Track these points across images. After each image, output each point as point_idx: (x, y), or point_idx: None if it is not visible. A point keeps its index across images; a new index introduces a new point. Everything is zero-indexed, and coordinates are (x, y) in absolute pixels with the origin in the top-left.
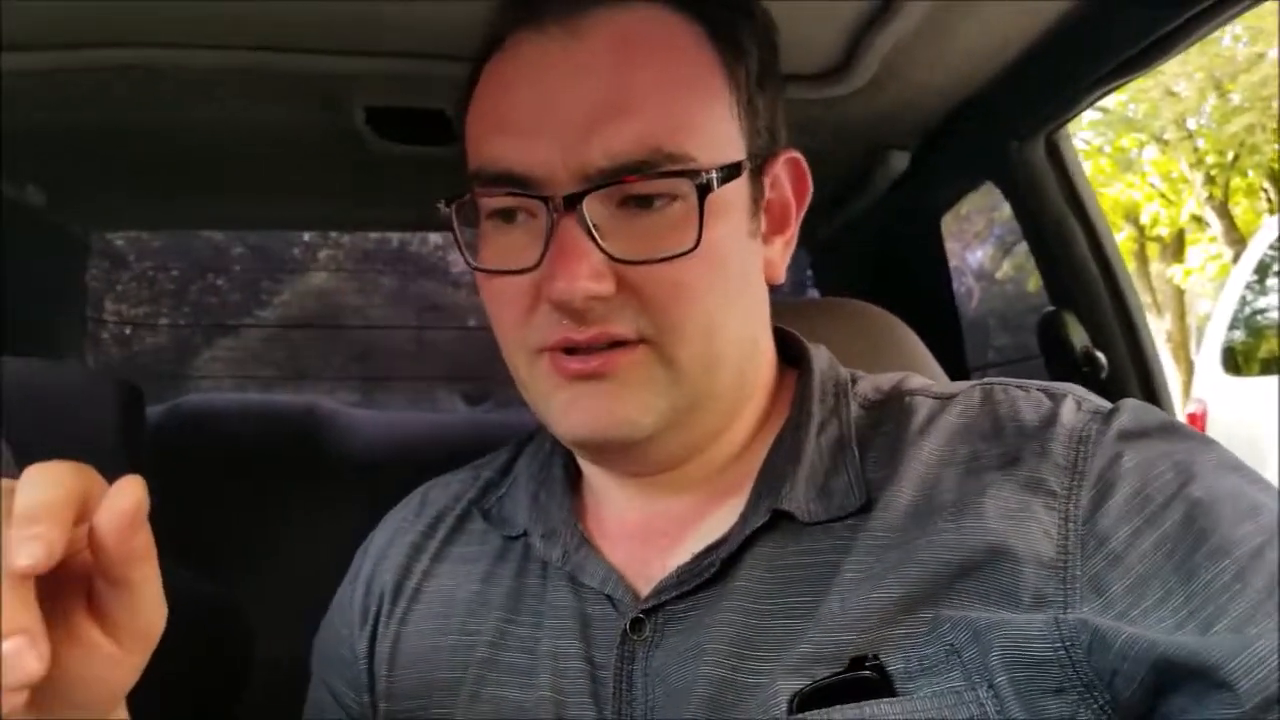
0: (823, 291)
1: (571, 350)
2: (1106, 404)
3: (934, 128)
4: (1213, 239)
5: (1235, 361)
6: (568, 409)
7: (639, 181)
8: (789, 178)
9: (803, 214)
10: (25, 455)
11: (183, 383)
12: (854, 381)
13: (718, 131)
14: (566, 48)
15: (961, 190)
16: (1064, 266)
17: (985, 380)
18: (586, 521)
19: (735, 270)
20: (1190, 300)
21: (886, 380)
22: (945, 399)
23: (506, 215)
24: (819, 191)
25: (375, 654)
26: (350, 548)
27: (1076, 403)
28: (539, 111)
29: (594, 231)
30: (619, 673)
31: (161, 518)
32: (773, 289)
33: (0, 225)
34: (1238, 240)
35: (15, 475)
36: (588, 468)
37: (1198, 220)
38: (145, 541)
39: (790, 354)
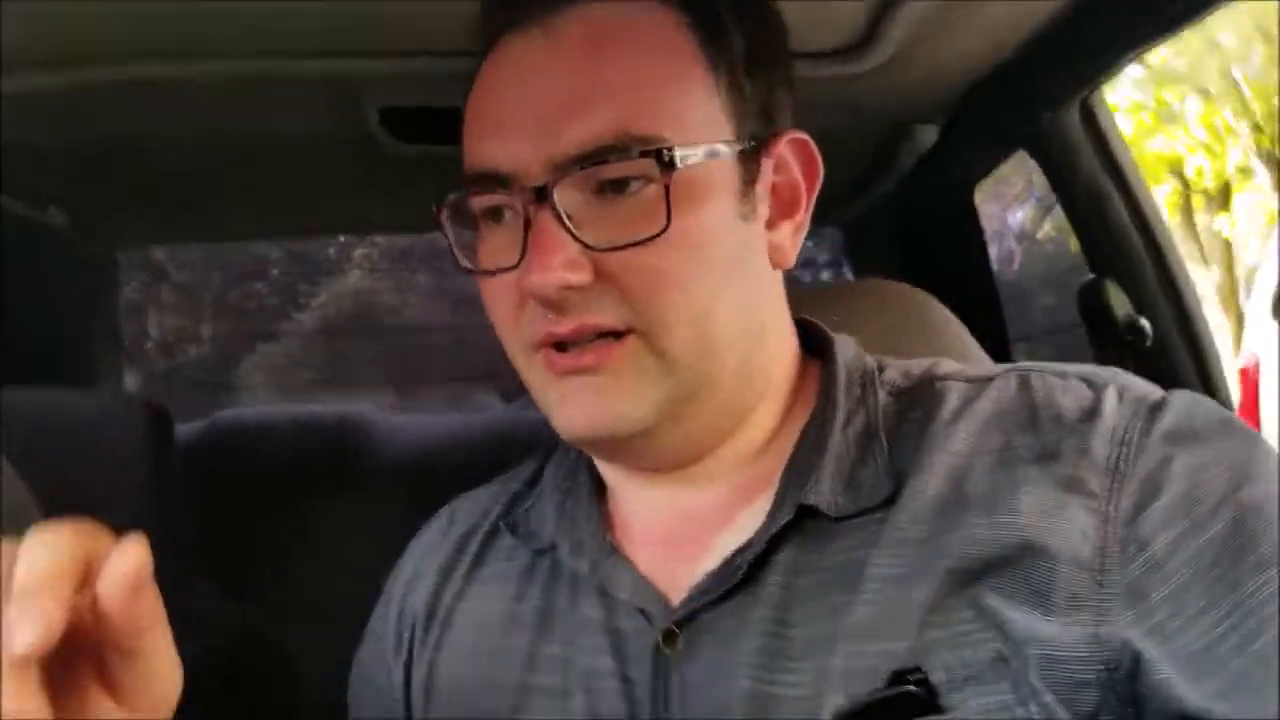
0: (856, 272)
1: (562, 346)
2: (1152, 391)
3: (961, 100)
4: (1259, 188)
5: None
6: (561, 405)
7: (607, 166)
8: (796, 160)
9: (814, 196)
10: (49, 491)
11: (226, 392)
12: (882, 369)
13: (693, 113)
14: (542, 46)
15: (993, 162)
16: (1103, 234)
17: (1022, 365)
18: (615, 530)
19: (722, 254)
20: (1238, 251)
21: (917, 366)
22: (978, 385)
23: (495, 214)
24: (847, 171)
25: (412, 684)
26: (393, 562)
27: (1119, 393)
28: (514, 109)
29: (567, 221)
30: (655, 690)
31: (200, 541)
32: (803, 266)
33: (21, 248)
34: None
35: (26, 504)
36: (605, 469)
37: (1244, 171)
38: (151, 607)
39: (814, 345)
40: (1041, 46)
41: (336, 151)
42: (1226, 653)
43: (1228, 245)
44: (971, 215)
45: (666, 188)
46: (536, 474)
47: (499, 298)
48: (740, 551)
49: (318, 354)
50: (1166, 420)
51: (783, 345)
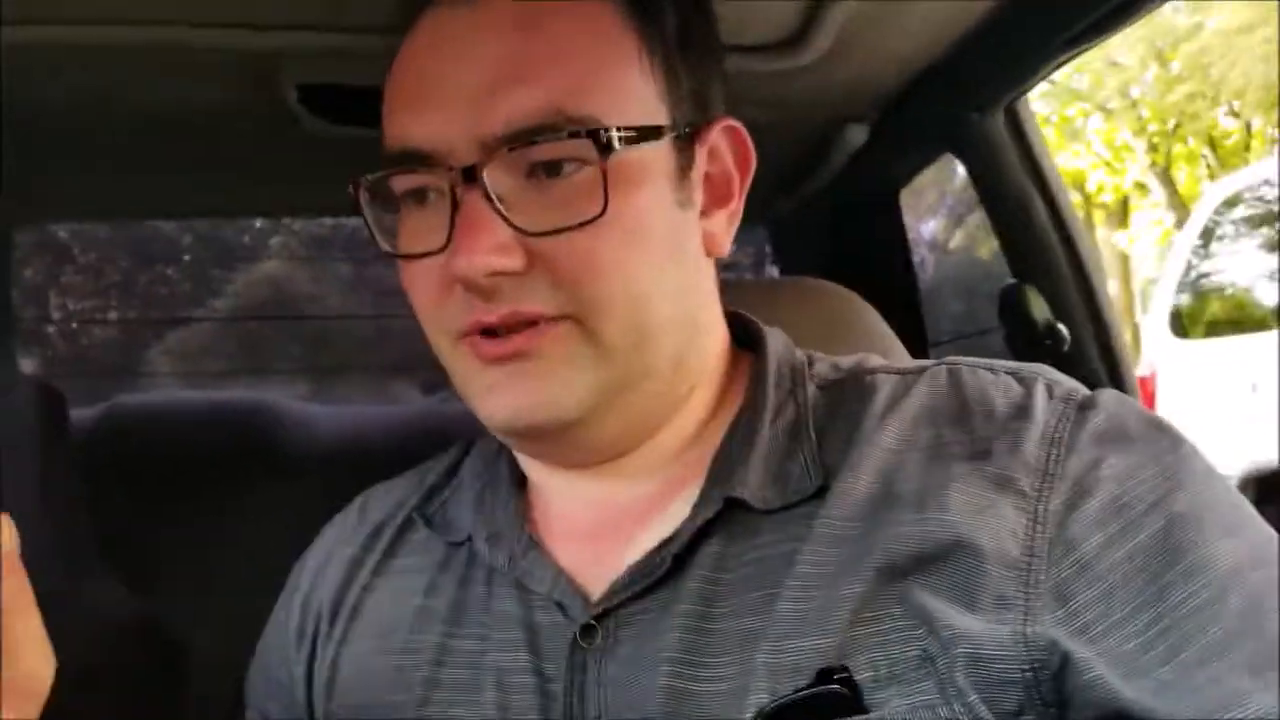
0: (782, 268)
1: (490, 333)
2: (1079, 389)
3: (892, 99)
4: (1156, 205)
5: (1182, 325)
6: (488, 394)
7: (539, 147)
8: (729, 147)
9: (747, 185)
10: None
11: (132, 379)
12: (811, 363)
13: (628, 94)
14: (470, 19)
15: (920, 163)
16: (1025, 238)
17: (951, 360)
18: (535, 523)
19: (659, 240)
20: (1134, 265)
21: (845, 360)
22: (908, 378)
23: (418, 196)
24: (776, 167)
25: (313, 677)
26: (303, 553)
27: (1047, 389)
28: (437, 83)
29: (498, 204)
30: (569, 685)
31: (98, 531)
32: (728, 267)
33: None
34: (1179, 205)
35: None
36: (528, 463)
37: (1141, 187)
38: (17, 588)
39: (745, 338)
40: (970, 48)
41: (252, 128)
42: (1153, 659)
43: (1125, 259)
44: (898, 216)
45: (604, 171)
46: (455, 466)
47: (422, 283)
48: (664, 545)
49: (231, 342)
50: (1097, 420)
51: (715, 336)
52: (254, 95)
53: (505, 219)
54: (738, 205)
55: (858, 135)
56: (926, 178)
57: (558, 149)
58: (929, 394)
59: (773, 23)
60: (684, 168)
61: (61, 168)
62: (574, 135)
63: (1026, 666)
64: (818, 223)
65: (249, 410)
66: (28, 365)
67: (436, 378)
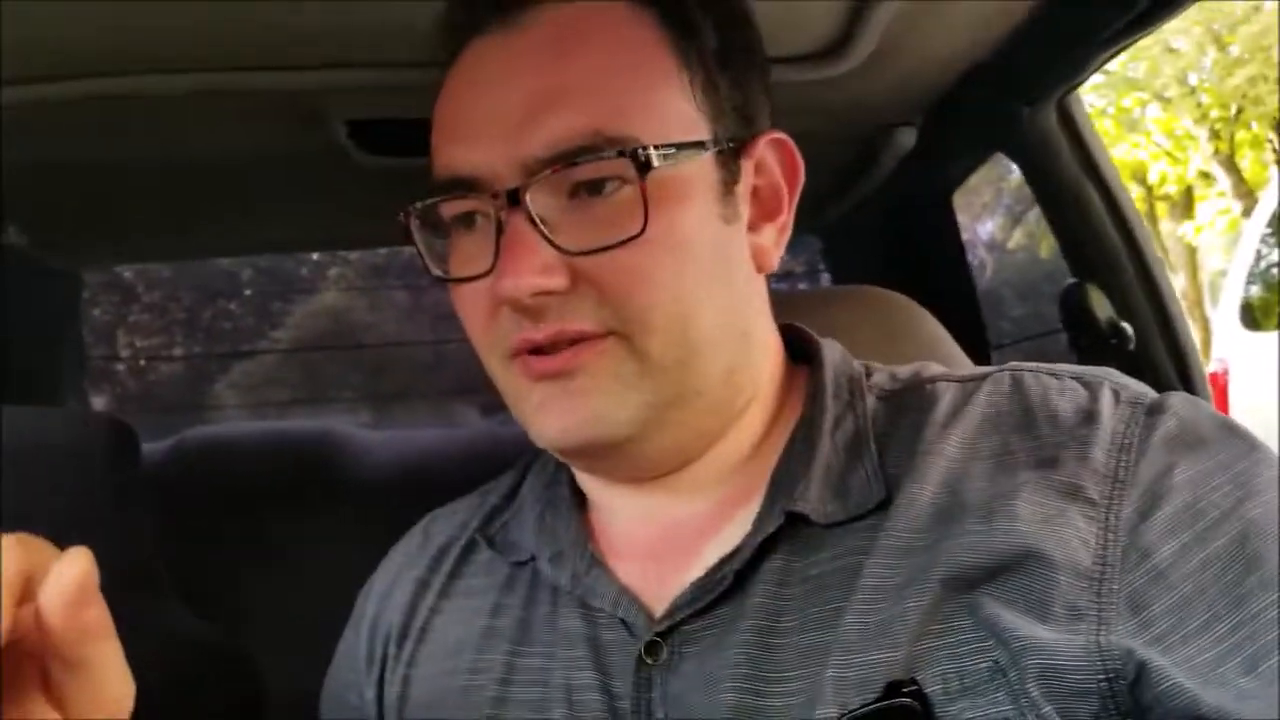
0: (835, 277)
1: (538, 352)
2: (1147, 392)
3: (940, 101)
4: (1221, 194)
5: (1254, 317)
6: (538, 411)
7: (580, 168)
8: (777, 161)
9: (796, 198)
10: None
11: (199, 412)
12: (869, 374)
13: (666, 113)
14: (506, 47)
15: (972, 164)
16: (1083, 236)
17: (1013, 365)
18: (597, 541)
19: (705, 255)
20: (1202, 256)
21: (904, 370)
22: (971, 386)
23: (466, 221)
24: (826, 175)
25: (384, 700)
26: (369, 578)
27: (1114, 393)
28: (478, 111)
29: (541, 225)
30: (637, 703)
31: (170, 561)
32: (782, 278)
33: None
34: (1246, 193)
35: None
36: (586, 480)
37: (1205, 176)
38: (98, 616)
39: (801, 351)
40: (1018, 46)
41: (305, 166)
42: (1233, 670)
43: (1192, 251)
44: (951, 219)
45: (643, 188)
46: (515, 487)
47: (472, 306)
48: (726, 560)
49: (293, 372)
50: (1167, 425)
51: (768, 350)
52: (304, 134)
53: (549, 239)
54: (787, 218)
55: (906, 139)
56: (980, 177)
57: (598, 169)
58: (992, 401)
59: (814, 31)
60: (728, 182)
61: (127, 212)
62: (612, 155)
63: (1101, 676)
64: (870, 229)
65: (314, 439)
66: (98, 402)
67: (494, 400)
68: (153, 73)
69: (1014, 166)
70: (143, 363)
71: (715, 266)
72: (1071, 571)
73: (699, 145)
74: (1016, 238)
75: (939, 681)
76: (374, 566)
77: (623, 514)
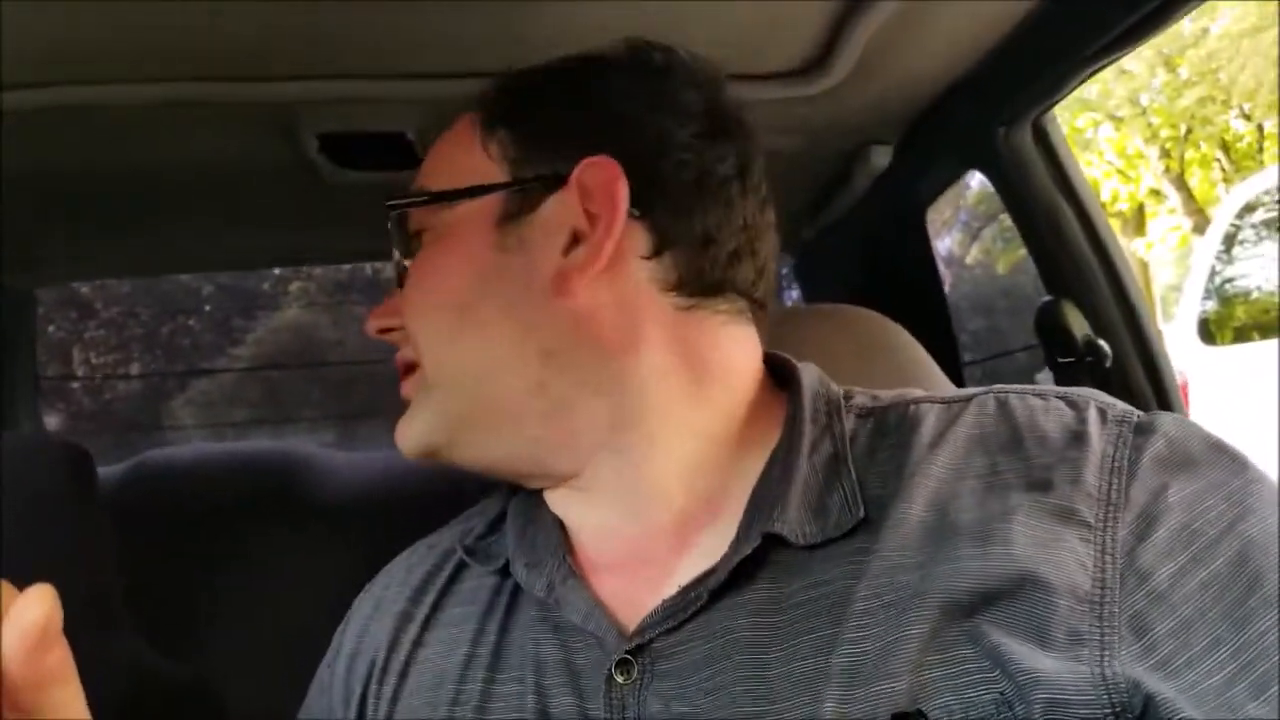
0: (807, 295)
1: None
2: (1133, 411)
3: (916, 119)
4: (1172, 210)
5: (1209, 331)
6: None
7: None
8: (598, 183)
9: (612, 219)
10: None
11: (157, 432)
12: (849, 397)
13: (454, 166)
14: None
15: (946, 182)
16: (1058, 253)
17: (997, 387)
18: (575, 556)
19: (463, 285)
20: (1153, 271)
21: (886, 394)
22: (955, 407)
23: None
24: (801, 193)
25: None
26: (336, 603)
27: (1100, 413)
28: None
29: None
30: None
31: (128, 588)
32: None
33: None
34: (1196, 210)
35: None
36: (549, 494)
37: (1156, 194)
38: (60, 660)
39: (779, 375)
40: (995, 65)
41: (274, 179)
42: (1241, 694)
43: (1144, 266)
44: (924, 236)
45: (416, 231)
46: (501, 512)
47: None
48: (701, 579)
49: (254, 390)
50: (1156, 445)
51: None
52: (272, 146)
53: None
54: (600, 237)
55: (881, 157)
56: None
57: (400, 219)
58: (979, 422)
59: (794, 49)
60: (513, 214)
61: (83, 227)
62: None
63: (1108, 710)
64: (841, 246)
65: (276, 460)
66: (51, 421)
67: None
68: (124, 81)
69: (971, 183)
70: (98, 381)
71: (478, 293)
72: (1071, 596)
73: (481, 188)
74: (974, 253)
75: (943, 713)
76: (338, 590)
77: (585, 526)
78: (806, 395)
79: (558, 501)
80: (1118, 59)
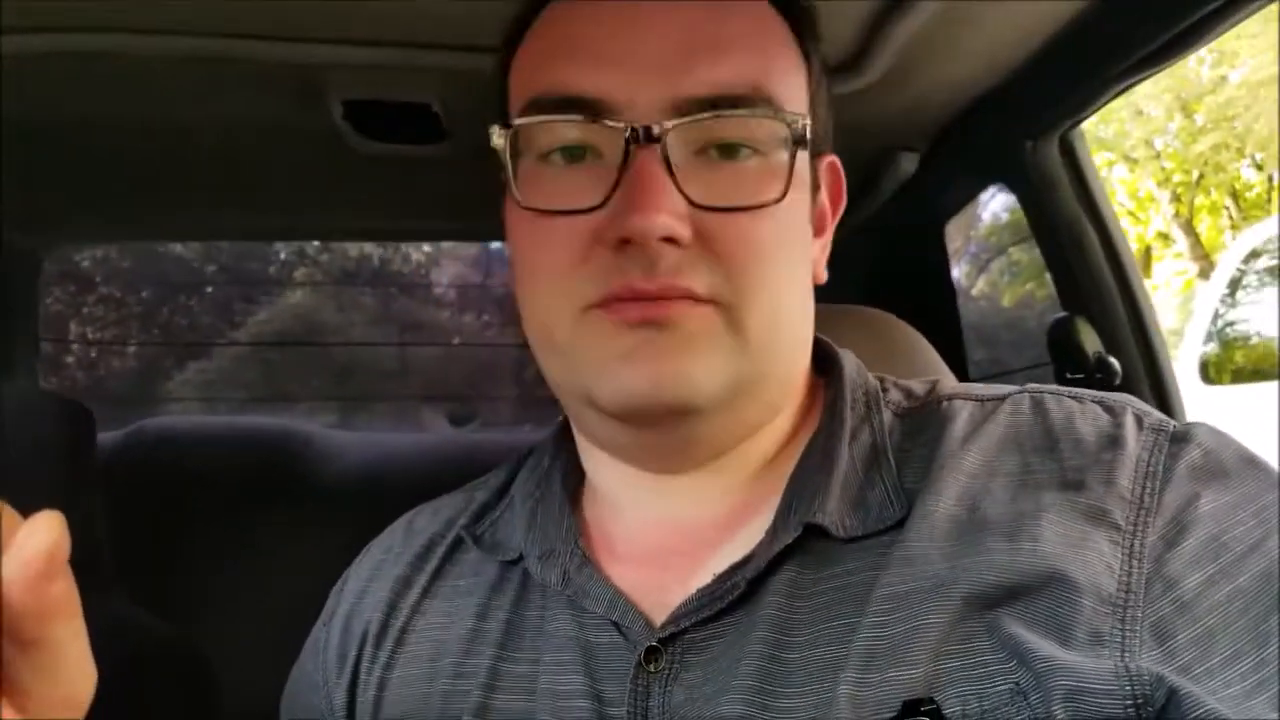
0: (819, 297)
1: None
2: (1167, 420)
3: (944, 128)
4: (1179, 255)
5: (1209, 373)
6: (624, 363)
7: (734, 120)
8: (828, 182)
9: (837, 220)
10: None
11: (151, 407)
12: (885, 389)
13: (800, 100)
14: None
15: (969, 194)
16: (1077, 269)
17: (1032, 387)
18: (590, 540)
19: (801, 242)
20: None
21: (919, 385)
22: (989, 405)
23: (570, 154)
24: None
25: (356, 706)
26: (329, 582)
27: (1137, 419)
28: (624, 37)
29: (675, 171)
30: (633, 710)
31: (121, 552)
32: None
33: None
34: (1202, 256)
35: None
36: (607, 472)
37: (1164, 237)
38: (65, 592)
39: (820, 361)
40: (1026, 77)
41: (295, 145)
42: (1256, 709)
43: None
44: (942, 248)
45: (793, 156)
46: (505, 484)
47: (554, 245)
48: (737, 568)
49: (254, 372)
50: (1191, 454)
51: (806, 353)
52: (293, 111)
53: (680, 189)
54: (828, 238)
55: (908, 164)
56: (952, 223)
57: (748, 127)
58: (1013, 421)
59: (828, 48)
60: (815, 186)
61: (95, 188)
62: (770, 115)
63: (1130, 701)
64: (860, 252)
65: (275, 436)
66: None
67: (466, 409)
68: (139, 32)
69: (984, 215)
70: (94, 354)
71: (804, 254)
72: (1095, 596)
73: (816, 141)
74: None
75: (957, 702)
76: (331, 566)
77: (633, 512)
78: (847, 383)
79: (617, 479)
80: (1151, 75)
